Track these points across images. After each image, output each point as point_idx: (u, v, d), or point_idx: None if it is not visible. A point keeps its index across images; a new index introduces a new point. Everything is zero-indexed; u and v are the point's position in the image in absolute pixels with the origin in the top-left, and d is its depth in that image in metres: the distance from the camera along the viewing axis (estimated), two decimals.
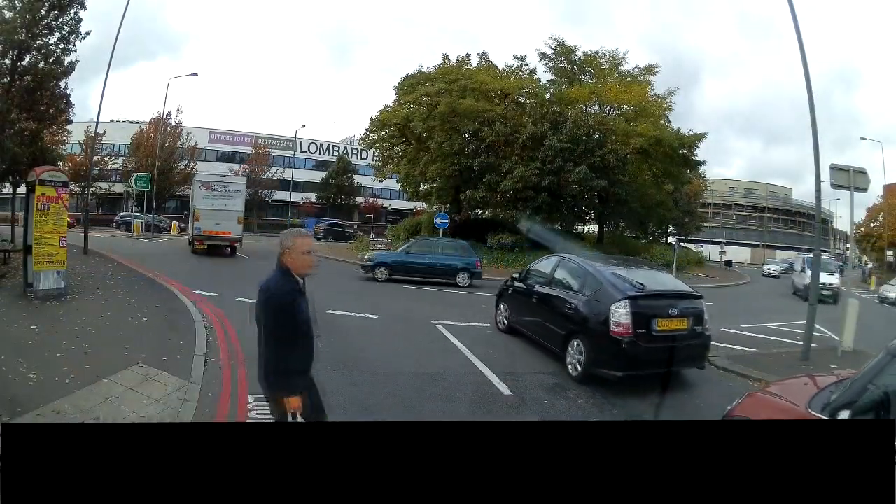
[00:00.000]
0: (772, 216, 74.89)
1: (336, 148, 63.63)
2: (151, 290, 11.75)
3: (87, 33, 15.24)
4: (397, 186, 41.02)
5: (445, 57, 31.59)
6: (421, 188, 32.77)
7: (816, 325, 10.15)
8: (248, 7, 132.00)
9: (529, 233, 25.26)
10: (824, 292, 18.13)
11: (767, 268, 45.11)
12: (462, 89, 28.22)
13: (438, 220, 23.89)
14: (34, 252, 9.83)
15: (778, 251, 63.91)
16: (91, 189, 30.87)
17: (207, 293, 11.72)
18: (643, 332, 6.76)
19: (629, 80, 30.49)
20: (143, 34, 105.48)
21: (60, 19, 14.70)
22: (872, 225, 49.23)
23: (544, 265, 9.25)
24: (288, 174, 53.85)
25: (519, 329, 9.34)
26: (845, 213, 59.32)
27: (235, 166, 52.15)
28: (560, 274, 8.47)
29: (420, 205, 41.34)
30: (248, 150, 55.85)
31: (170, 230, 36.29)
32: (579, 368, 7.13)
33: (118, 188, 44.97)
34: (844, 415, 3.13)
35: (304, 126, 68.15)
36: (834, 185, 10.74)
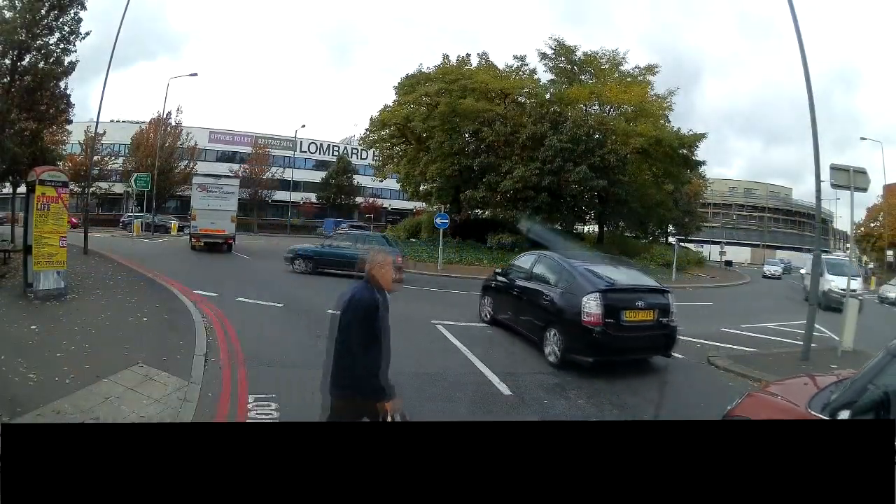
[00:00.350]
0: (772, 216, 74.88)
1: (336, 148, 63.63)
2: (151, 290, 11.74)
3: (87, 33, 15.27)
4: (397, 186, 41.07)
5: (445, 57, 31.70)
6: (421, 188, 32.80)
7: (816, 325, 10.15)
8: (249, 7, 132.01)
9: (529, 233, 25.25)
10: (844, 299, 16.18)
11: (768, 268, 42.98)
12: (462, 89, 28.25)
13: (438, 220, 23.90)
14: (34, 252, 9.82)
15: (778, 251, 63.86)
16: (91, 189, 30.86)
17: (207, 293, 11.71)
18: (612, 322, 7.44)
19: (629, 80, 30.52)
20: (143, 34, 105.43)
21: (60, 19, 14.70)
22: (872, 225, 49.24)
23: (524, 261, 9.95)
24: (288, 174, 53.83)
25: (501, 320, 9.93)
26: (845, 213, 59.22)
27: (235, 166, 52.18)
28: (539, 269, 9.11)
29: (420, 205, 41.38)
30: (247, 150, 55.83)
31: (170, 230, 36.28)
32: (557, 355, 7.79)
33: (118, 188, 44.96)
34: (844, 415, 3.13)
35: (303, 126, 68.23)
36: (834, 185, 10.72)
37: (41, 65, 14.81)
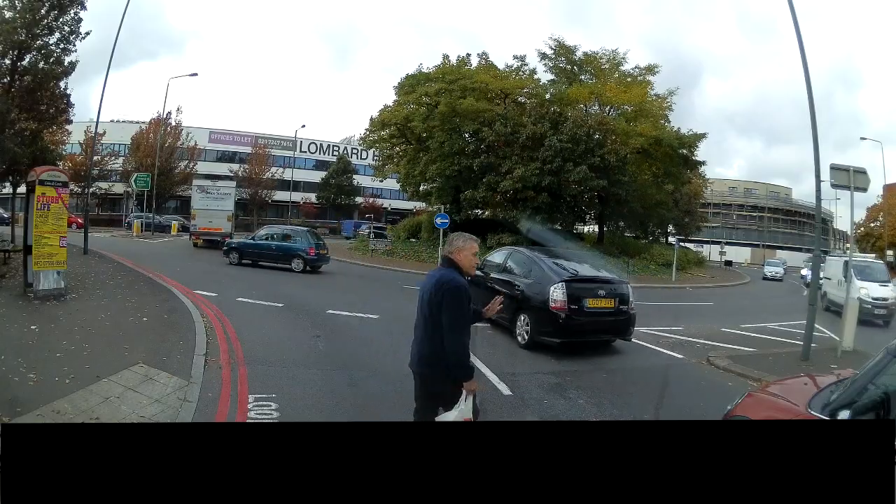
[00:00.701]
0: (772, 216, 74.88)
1: (336, 148, 63.61)
2: (151, 289, 11.74)
3: (88, 33, 15.25)
4: (397, 186, 41.00)
5: (445, 57, 31.69)
6: (421, 188, 32.78)
7: (816, 325, 10.14)
8: (249, 7, 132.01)
9: (529, 233, 25.24)
10: (878, 311, 14.65)
11: (768, 269, 39.46)
12: (462, 89, 28.25)
13: (438, 220, 23.92)
14: (34, 252, 9.82)
15: (778, 251, 63.83)
16: (91, 189, 30.83)
17: (207, 293, 11.73)
18: (576, 309, 8.54)
19: (629, 80, 30.55)
20: (143, 34, 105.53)
21: (60, 19, 14.68)
22: (872, 225, 49.23)
23: (498, 256, 11.09)
24: (288, 174, 53.79)
25: (475, 308, 9.92)
26: (845, 212, 59.22)
27: (235, 166, 52.14)
28: (511, 263, 10.23)
29: (420, 205, 41.35)
30: (247, 150, 55.78)
31: (170, 230, 36.26)
32: (526, 337, 8.87)
33: (118, 188, 44.92)
34: (844, 415, 3.13)
35: (303, 126, 68.14)
36: (834, 185, 10.71)
37: (41, 65, 14.78)
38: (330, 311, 10.76)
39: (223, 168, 53.15)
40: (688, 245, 44.99)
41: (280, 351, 7.69)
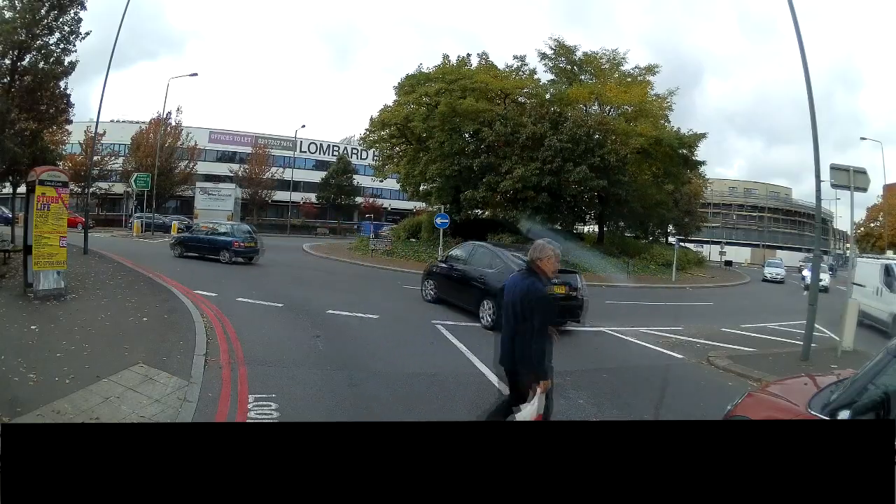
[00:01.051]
0: (772, 216, 74.87)
1: (336, 148, 63.60)
2: (151, 290, 11.74)
3: (88, 33, 15.25)
4: (397, 186, 40.97)
5: (445, 57, 31.67)
6: (421, 188, 32.76)
7: (816, 325, 10.14)
8: (249, 7, 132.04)
9: (529, 233, 25.22)
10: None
11: (769, 271, 37.09)
12: (462, 89, 28.23)
13: (438, 220, 23.90)
14: (34, 252, 9.81)
15: (778, 251, 63.80)
16: (91, 189, 30.82)
17: (207, 293, 11.73)
18: None
19: (629, 80, 30.51)
20: (144, 34, 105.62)
21: (60, 19, 14.68)
22: (872, 225, 49.25)
23: (461, 251, 12.66)
24: (288, 174, 53.78)
25: (443, 297, 12.34)
26: (845, 212, 59.21)
27: (235, 166, 52.16)
28: (475, 257, 11.74)
29: (420, 205, 41.32)
30: (247, 150, 55.77)
31: (170, 230, 36.24)
32: (490, 320, 10.07)
33: (118, 188, 44.91)
34: (844, 415, 3.12)
35: (303, 126, 68.17)
36: (834, 185, 10.72)
37: (41, 65, 14.79)
38: (330, 312, 10.76)
39: (223, 168, 53.19)
40: (688, 245, 44.99)
41: (280, 351, 7.69)
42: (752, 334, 12.24)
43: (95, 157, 36.18)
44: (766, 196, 76.35)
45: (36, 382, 5.51)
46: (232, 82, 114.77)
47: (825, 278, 22.86)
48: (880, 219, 47.74)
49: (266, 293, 12.48)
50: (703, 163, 34.12)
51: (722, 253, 45.66)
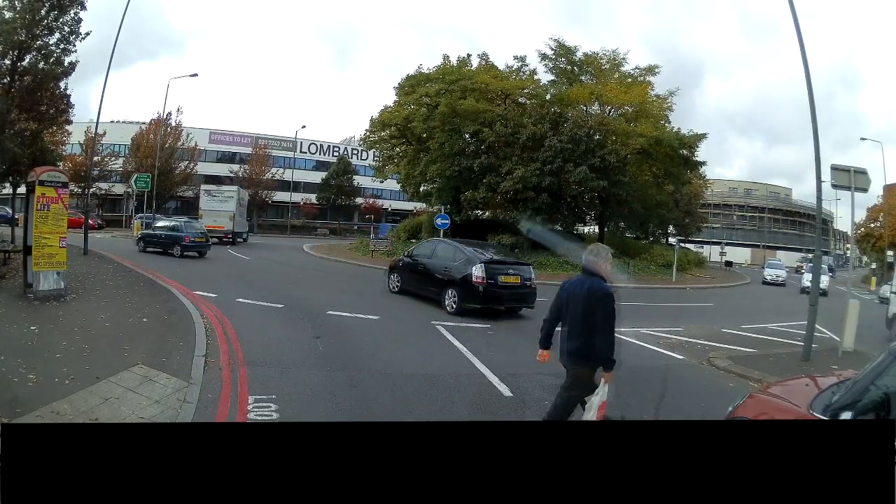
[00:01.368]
0: (772, 216, 74.86)
1: (336, 148, 63.61)
2: (151, 290, 11.74)
3: (88, 33, 15.24)
4: (398, 187, 40.95)
5: (446, 57, 31.64)
6: (421, 189, 32.74)
7: (816, 326, 10.12)
8: (249, 7, 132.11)
9: (530, 233, 25.21)
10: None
11: (769, 272, 34.92)
12: (462, 90, 28.20)
13: (439, 221, 23.86)
14: (34, 253, 9.80)
15: (778, 252, 63.78)
16: (91, 189, 30.83)
17: (207, 294, 11.72)
18: (492, 283, 11.44)
19: (629, 80, 30.42)
20: (144, 34, 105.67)
21: (60, 20, 14.67)
22: (872, 225, 49.14)
23: (425, 247, 14.29)
24: (288, 175, 53.80)
25: (407, 289, 13.52)
26: (845, 213, 59.23)
27: (235, 167, 52.18)
28: (439, 251, 13.19)
29: (420, 205, 41.30)
30: (248, 150, 55.79)
31: None
32: (454, 306, 11.64)
33: (119, 188, 44.92)
34: (846, 416, 3.11)
35: (304, 127, 68.19)
36: (835, 186, 10.72)
37: (41, 65, 14.77)
38: (330, 312, 10.74)
39: (223, 169, 53.22)
40: (688, 246, 44.95)
41: (280, 352, 7.67)
42: (753, 335, 12.22)
43: (95, 158, 36.20)
44: (766, 196, 76.38)
45: (36, 383, 5.50)
46: (232, 82, 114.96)
47: (824, 280, 22.69)
48: (880, 219, 47.58)
49: (266, 293, 12.47)
50: (703, 163, 34.08)
51: (722, 253, 45.60)
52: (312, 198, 57.25)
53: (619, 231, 36.39)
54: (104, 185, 43.63)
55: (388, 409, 5.74)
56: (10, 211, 20.05)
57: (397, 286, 13.96)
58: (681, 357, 9.38)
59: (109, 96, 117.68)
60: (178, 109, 49.17)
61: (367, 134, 34.83)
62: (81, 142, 38.82)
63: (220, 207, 29.55)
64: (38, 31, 14.54)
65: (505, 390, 6.52)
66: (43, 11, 14.44)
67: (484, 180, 27.25)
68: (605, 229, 33.78)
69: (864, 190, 10.99)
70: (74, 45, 15.08)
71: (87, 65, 28.81)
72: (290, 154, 56.38)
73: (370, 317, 10.70)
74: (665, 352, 9.69)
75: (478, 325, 10.55)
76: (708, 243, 54.51)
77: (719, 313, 16.53)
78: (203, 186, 33.10)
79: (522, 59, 31.27)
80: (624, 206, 30.05)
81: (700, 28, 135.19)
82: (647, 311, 15.86)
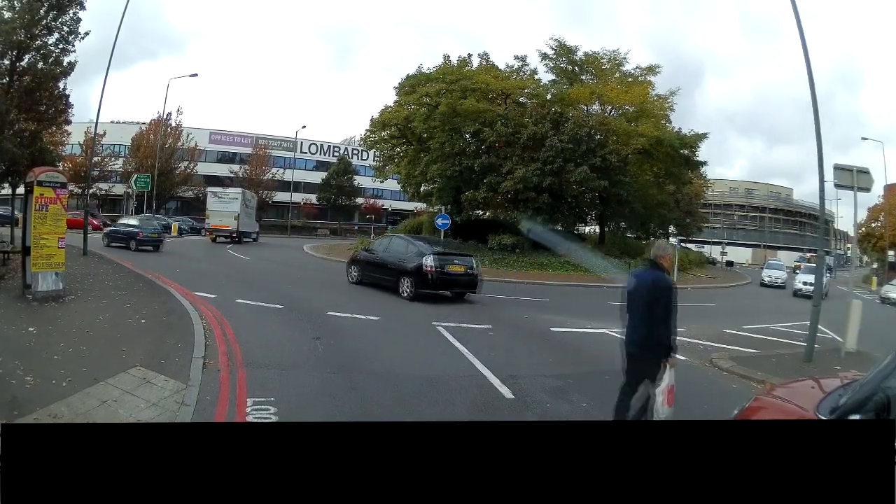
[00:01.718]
0: (772, 216, 74.80)
1: (336, 149, 63.57)
2: (150, 291, 11.68)
3: (87, 33, 15.23)
4: (398, 187, 40.93)
5: (446, 57, 31.63)
6: (422, 189, 32.73)
7: (819, 326, 10.06)
8: (250, 7, 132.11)
9: (530, 233, 25.16)
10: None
11: (768, 274, 32.86)
12: (463, 90, 28.17)
13: (439, 221, 23.74)
14: (32, 253, 9.76)
15: (779, 251, 63.70)
16: (91, 190, 30.82)
17: (206, 294, 11.66)
18: (440, 270, 13.12)
19: (630, 80, 30.40)
20: (144, 33, 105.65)
21: (59, 19, 14.65)
22: (873, 225, 49.06)
23: (382, 242, 16.14)
24: (288, 175, 53.75)
25: (365, 280, 14.94)
26: (846, 212, 59.21)
27: (236, 167, 52.17)
28: (394, 245, 14.89)
29: (421, 206, 41.26)
30: (248, 150, 55.76)
31: (170, 231, 36.17)
32: (408, 292, 13.21)
33: (119, 189, 44.89)
34: (854, 419, 3.05)
35: (304, 127, 68.15)
36: (837, 185, 10.67)
37: (40, 65, 14.76)
38: (330, 313, 10.69)
39: (223, 169, 53.21)
40: (689, 246, 44.89)
41: (279, 353, 7.61)
42: (755, 335, 12.16)
43: (96, 158, 36.17)
44: (766, 196, 76.34)
45: (33, 385, 5.45)
46: (232, 83, 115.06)
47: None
48: (881, 219, 47.47)
49: (266, 294, 12.42)
50: (704, 163, 34.08)
51: (723, 254, 45.55)
52: (313, 198, 57.20)
53: (620, 231, 36.36)
54: (104, 186, 43.59)
55: (387, 411, 5.68)
56: (12, 209, 20.15)
57: (356, 277, 15.24)
58: (683, 358, 9.30)
59: (110, 97, 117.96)
60: (179, 109, 49.26)
61: (368, 134, 34.85)
62: (82, 142, 38.77)
63: (225, 208, 31.37)
64: (37, 31, 14.53)
65: (506, 392, 6.45)
66: (42, 11, 14.42)
67: (484, 180, 27.21)
68: (606, 229, 33.76)
69: (867, 190, 10.95)
70: (73, 45, 15.11)
71: (88, 65, 28.85)
72: (291, 154, 56.32)
73: (370, 318, 10.64)
74: None
75: (478, 326, 10.49)
76: (709, 243, 54.46)
77: (721, 314, 16.46)
78: (209, 189, 34.64)
79: (523, 58, 31.30)
80: (625, 206, 30.01)
81: (701, 28, 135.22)
82: None
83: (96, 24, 15.42)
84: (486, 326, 10.59)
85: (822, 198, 10.54)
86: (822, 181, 10.20)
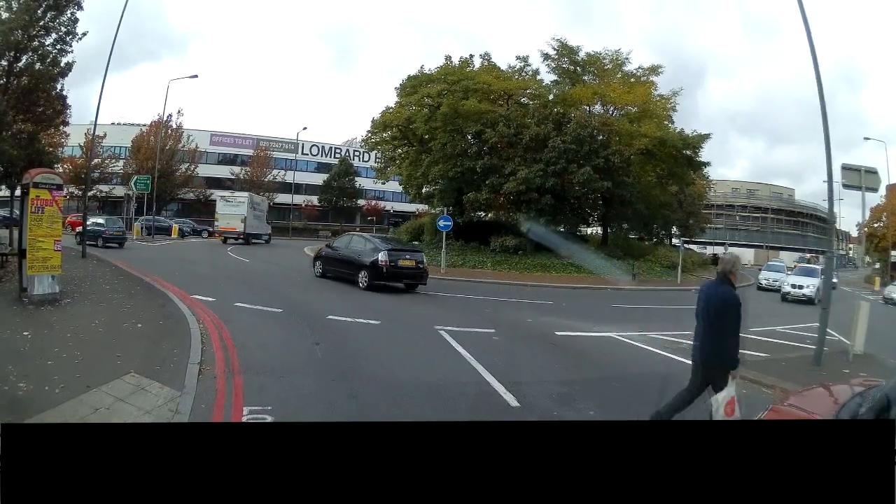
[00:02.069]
0: (774, 217, 74.60)
1: (338, 150, 63.50)
2: (148, 294, 11.54)
3: (84, 34, 15.17)
4: (400, 189, 40.81)
5: (448, 58, 31.49)
6: (423, 190, 32.60)
7: (827, 329, 9.89)
8: (250, 8, 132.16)
9: (533, 235, 25.03)
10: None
11: (767, 276, 30.26)
12: (465, 90, 28.03)
13: (441, 223, 23.61)
14: (28, 256, 9.62)
15: (781, 252, 63.48)
16: (91, 192, 30.74)
17: (205, 298, 11.50)
18: (393, 265, 14.86)
19: (633, 80, 30.24)
20: (144, 34, 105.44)
21: (57, 20, 14.57)
22: (876, 225, 48.85)
23: (345, 240, 17.52)
24: (290, 176, 53.65)
25: (328, 274, 16.40)
26: (847, 212, 58.99)
27: (237, 169, 52.11)
28: (353, 243, 16.56)
29: (423, 207, 41.14)
30: (249, 152, 55.67)
31: (170, 233, 36.08)
32: (364, 283, 14.77)
33: (119, 191, 44.77)
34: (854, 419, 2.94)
35: (305, 128, 68.07)
36: (845, 186, 10.54)
37: (38, 66, 14.68)
38: (330, 317, 10.53)
39: (224, 171, 53.16)
40: (691, 246, 44.63)
41: (278, 359, 7.45)
42: (762, 338, 11.98)
43: (96, 160, 36.09)
44: (768, 197, 76.17)
45: (26, 391, 5.31)
46: (233, 84, 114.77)
47: (814, 283, 21.97)
48: (884, 219, 47.25)
49: (265, 297, 12.27)
50: (707, 163, 33.86)
51: (725, 254, 45.21)
52: (314, 200, 57.10)
53: (623, 232, 36.14)
54: (105, 188, 43.52)
55: (388, 419, 5.52)
56: (11, 211, 20.17)
57: (320, 271, 16.83)
58: (690, 362, 9.14)
59: (111, 98, 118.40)
60: (179, 111, 49.04)
61: (369, 135, 34.76)
62: (81, 144, 38.66)
63: (233, 211, 33.22)
64: (34, 32, 14.44)
65: (511, 400, 6.26)
66: (39, 12, 14.32)
67: (487, 181, 27.06)
68: (609, 230, 33.57)
69: (875, 189, 10.84)
70: (71, 46, 15.06)
71: (88, 66, 28.85)
72: (292, 156, 56.24)
73: (371, 322, 10.48)
74: (675, 357, 9.40)
75: (482, 331, 10.34)
76: (711, 244, 54.26)
77: None
78: (218, 193, 38.02)
79: (525, 59, 31.17)
80: (628, 207, 29.87)
81: (703, 28, 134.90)
82: (654, 313, 15.66)
83: (97, 25, 15.40)
84: (489, 330, 10.43)
85: (830, 198, 10.40)
86: (830, 181, 10.06)
